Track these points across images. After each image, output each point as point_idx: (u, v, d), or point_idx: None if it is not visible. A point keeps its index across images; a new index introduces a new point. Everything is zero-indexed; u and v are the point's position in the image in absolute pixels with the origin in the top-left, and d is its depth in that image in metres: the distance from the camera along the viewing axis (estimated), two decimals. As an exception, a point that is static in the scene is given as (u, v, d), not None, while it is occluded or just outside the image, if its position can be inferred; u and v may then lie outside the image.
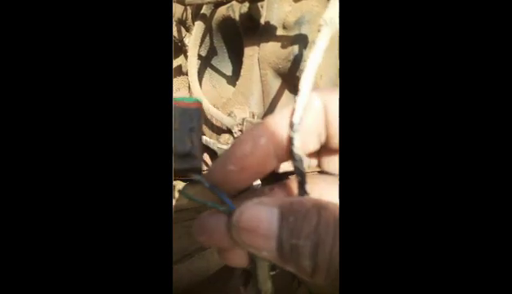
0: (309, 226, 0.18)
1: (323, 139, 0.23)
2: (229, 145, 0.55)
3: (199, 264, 0.88)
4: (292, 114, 0.21)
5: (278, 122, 0.22)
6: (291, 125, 0.21)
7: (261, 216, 0.19)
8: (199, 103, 0.26)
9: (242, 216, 0.19)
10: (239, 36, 0.60)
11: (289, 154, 0.21)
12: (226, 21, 0.61)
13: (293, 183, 0.23)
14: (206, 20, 0.56)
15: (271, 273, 0.23)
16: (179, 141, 0.24)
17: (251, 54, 0.54)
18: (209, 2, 0.49)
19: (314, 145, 0.23)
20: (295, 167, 0.21)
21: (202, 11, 0.56)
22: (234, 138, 0.55)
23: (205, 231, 0.23)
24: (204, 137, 0.61)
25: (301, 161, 0.21)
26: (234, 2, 0.53)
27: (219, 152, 0.56)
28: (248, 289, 0.24)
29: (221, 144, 0.57)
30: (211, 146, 0.59)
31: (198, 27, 0.55)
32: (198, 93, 0.56)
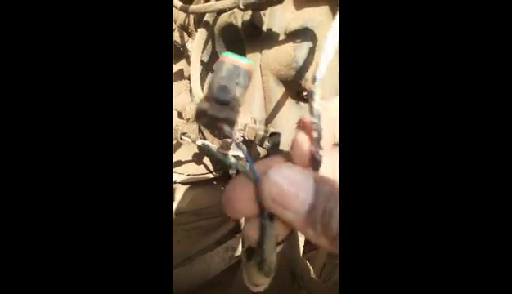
0: (335, 195, 0.19)
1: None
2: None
3: (199, 267, 0.88)
4: (317, 68, 0.21)
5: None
6: (313, 80, 0.21)
7: (298, 178, 0.20)
8: (250, 65, 0.25)
9: (279, 175, 0.20)
10: (241, 42, 0.60)
11: (310, 110, 0.21)
12: (229, 28, 0.61)
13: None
14: (209, 27, 0.57)
15: (278, 248, 0.24)
16: (222, 89, 0.22)
17: (254, 59, 0.54)
18: (213, 11, 0.50)
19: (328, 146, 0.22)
20: (313, 123, 0.21)
21: (205, 19, 0.57)
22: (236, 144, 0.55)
23: (234, 199, 0.23)
24: (205, 142, 0.62)
25: (319, 117, 0.21)
26: (236, 10, 0.54)
27: (219, 157, 0.57)
28: (251, 263, 0.24)
29: (222, 149, 0.57)
30: (212, 151, 0.60)
31: (201, 33, 0.56)
32: (199, 97, 0.57)
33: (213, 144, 0.62)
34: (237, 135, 0.54)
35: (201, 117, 0.22)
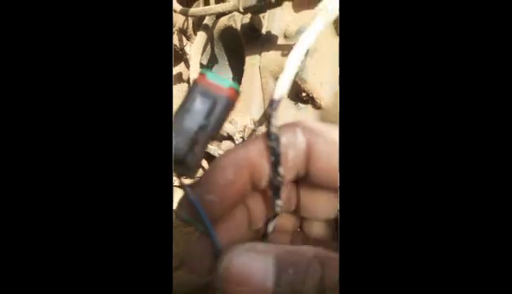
0: (312, 280, 0.16)
1: (302, 173, 0.21)
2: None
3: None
4: (274, 91, 0.20)
5: (256, 148, 0.20)
6: (271, 103, 0.19)
7: (253, 266, 0.17)
8: (233, 90, 0.20)
9: (231, 265, 0.17)
10: (240, 45, 0.61)
11: (267, 135, 0.20)
12: (228, 31, 0.62)
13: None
14: (208, 30, 0.57)
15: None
16: (176, 140, 0.19)
17: (252, 62, 0.55)
18: (212, 14, 0.51)
19: (289, 176, 0.21)
20: (271, 148, 0.19)
21: (204, 22, 0.58)
22: (235, 144, 0.56)
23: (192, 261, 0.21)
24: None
25: (277, 141, 0.19)
26: (236, 13, 0.55)
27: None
28: None
29: (222, 151, 0.57)
30: (212, 152, 0.60)
31: (200, 36, 0.56)
32: None
33: (212, 145, 0.62)
34: (237, 136, 0.54)
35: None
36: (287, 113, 0.55)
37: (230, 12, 0.49)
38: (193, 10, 0.52)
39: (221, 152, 0.57)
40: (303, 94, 0.53)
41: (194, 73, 0.56)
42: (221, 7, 0.49)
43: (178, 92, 0.94)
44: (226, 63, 0.74)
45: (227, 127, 0.54)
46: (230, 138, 0.58)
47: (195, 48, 0.56)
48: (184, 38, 0.76)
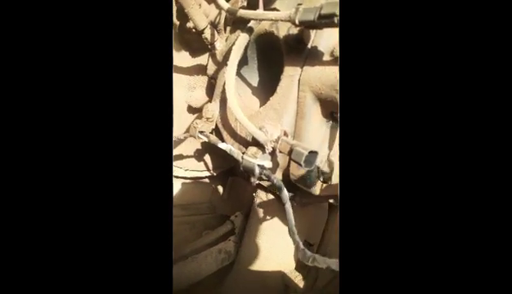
0: None
1: None
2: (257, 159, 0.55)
3: (191, 266, 0.87)
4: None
5: None
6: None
7: None
8: None
9: None
10: (275, 52, 0.61)
11: None
12: (267, 36, 0.61)
13: None
14: (251, 33, 0.57)
15: None
16: None
17: (292, 74, 0.55)
18: (264, 20, 0.50)
19: None
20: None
21: (249, 24, 0.57)
22: (263, 153, 0.56)
23: None
24: (227, 145, 0.61)
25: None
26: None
27: (245, 163, 0.56)
28: None
29: (247, 156, 0.57)
30: (235, 156, 0.59)
31: (243, 39, 0.56)
32: (234, 106, 0.56)
33: (234, 147, 0.62)
34: (268, 145, 0.54)
35: None
36: (318, 129, 0.55)
37: (281, 20, 0.49)
38: (243, 12, 0.51)
39: (246, 157, 0.57)
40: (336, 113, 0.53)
41: (231, 73, 0.55)
42: (274, 15, 0.48)
43: (196, 84, 0.92)
44: (256, 66, 0.74)
45: (259, 135, 0.54)
46: (256, 144, 0.58)
47: (236, 50, 0.55)
48: (215, 33, 0.75)
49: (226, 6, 0.54)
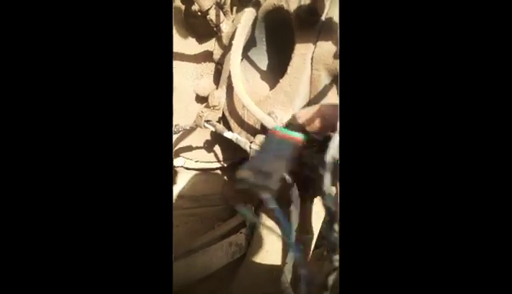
0: None
1: None
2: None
3: (201, 260, 0.84)
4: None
5: None
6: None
7: None
8: (301, 140, 0.26)
9: None
10: (285, 29, 0.55)
11: None
12: (276, 12, 0.55)
13: None
14: (259, 7, 0.51)
15: None
16: (265, 160, 0.23)
17: (304, 52, 0.49)
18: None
19: None
20: (326, 207, 0.23)
21: (256, -3, 0.51)
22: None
23: None
24: (233, 134, 0.56)
25: (332, 200, 0.23)
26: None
27: (252, 153, 0.51)
28: None
29: (255, 144, 0.52)
30: (242, 145, 0.54)
31: (249, 14, 0.50)
32: (240, 91, 0.51)
33: (241, 136, 0.57)
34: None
35: (242, 183, 0.24)
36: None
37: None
38: (247, -18, 0.45)
39: (253, 146, 0.52)
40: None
41: (236, 56, 0.49)
42: (282, -17, 0.42)
43: (203, 71, 0.88)
44: (264, 47, 0.68)
45: (267, 121, 0.49)
46: (266, 132, 0.53)
47: (241, 28, 0.49)
48: (221, 14, 0.69)
49: (228, -23, 0.48)
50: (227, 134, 0.56)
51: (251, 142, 0.53)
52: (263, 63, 0.70)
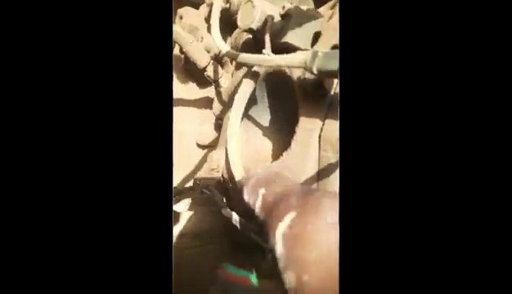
0: None
1: None
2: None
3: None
4: None
5: None
6: None
7: None
8: (248, 280, 0.27)
9: None
10: (290, 93, 0.50)
11: None
12: (278, 75, 0.50)
13: None
14: (257, 78, 0.46)
15: None
16: None
17: (310, 128, 0.43)
18: (270, 67, 0.39)
19: None
20: None
21: (254, 69, 0.46)
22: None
23: None
24: (231, 213, 0.51)
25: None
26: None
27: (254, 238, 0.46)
28: None
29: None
30: (239, 228, 0.49)
31: (247, 85, 0.45)
32: (234, 162, 0.46)
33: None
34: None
35: None
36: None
37: (293, 68, 0.38)
38: (245, 57, 0.40)
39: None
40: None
41: (235, 120, 0.44)
42: (284, 60, 0.37)
43: (204, 118, 0.84)
44: (266, 103, 0.63)
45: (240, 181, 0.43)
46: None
47: (239, 99, 0.44)
48: (219, 68, 0.65)
49: (225, 48, 0.43)
50: (224, 212, 0.50)
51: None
52: (265, 118, 0.65)
